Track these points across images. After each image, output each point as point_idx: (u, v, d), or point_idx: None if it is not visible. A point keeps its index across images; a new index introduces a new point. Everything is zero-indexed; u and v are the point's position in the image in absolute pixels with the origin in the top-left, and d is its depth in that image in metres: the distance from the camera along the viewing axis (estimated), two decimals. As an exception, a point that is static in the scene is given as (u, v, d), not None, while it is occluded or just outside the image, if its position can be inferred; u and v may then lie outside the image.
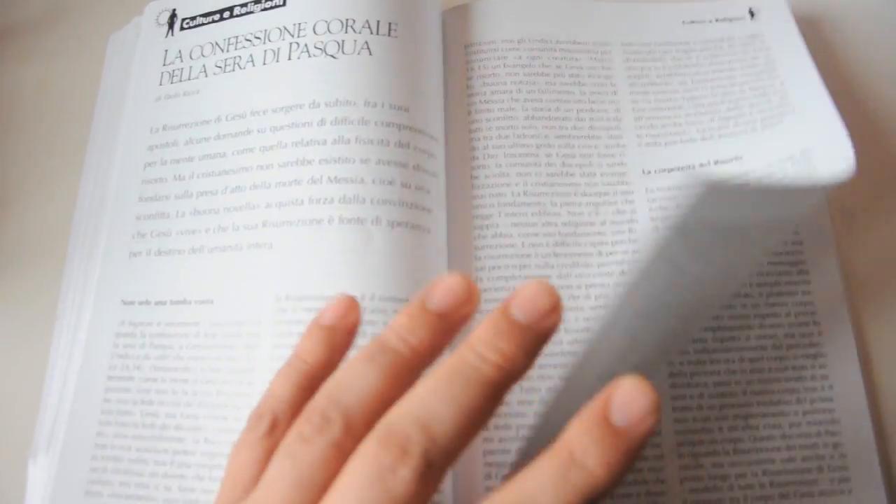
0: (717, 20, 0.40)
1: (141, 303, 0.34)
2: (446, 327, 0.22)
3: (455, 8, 0.40)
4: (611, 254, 0.35)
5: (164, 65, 0.39)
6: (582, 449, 0.18)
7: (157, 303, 0.34)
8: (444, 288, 0.22)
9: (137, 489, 0.31)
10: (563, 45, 0.39)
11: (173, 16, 0.40)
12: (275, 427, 0.22)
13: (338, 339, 0.24)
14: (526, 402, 0.32)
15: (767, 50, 0.39)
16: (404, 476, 0.18)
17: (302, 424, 0.21)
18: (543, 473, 0.18)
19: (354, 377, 0.21)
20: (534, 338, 0.21)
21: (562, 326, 0.21)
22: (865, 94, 0.40)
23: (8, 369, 0.35)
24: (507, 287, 0.34)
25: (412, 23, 0.37)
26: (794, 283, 0.35)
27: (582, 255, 0.34)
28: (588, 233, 0.35)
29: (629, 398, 0.18)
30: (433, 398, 0.20)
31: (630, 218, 0.35)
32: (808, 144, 0.34)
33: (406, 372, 0.21)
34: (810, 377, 0.33)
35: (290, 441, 0.21)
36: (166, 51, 0.39)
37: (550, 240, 0.34)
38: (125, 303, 0.34)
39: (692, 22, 0.40)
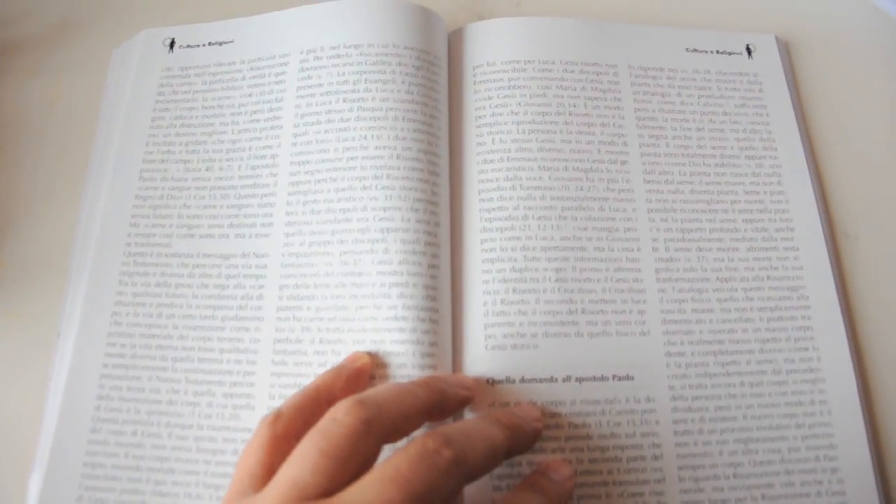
0: (717, 52, 0.41)
1: (132, 325, 0.34)
2: (445, 397, 0.29)
3: (462, 28, 0.41)
4: (619, 290, 0.35)
5: (161, 87, 0.40)
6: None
7: (147, 325, 0.34)
8: (454, 376, 0.32)
9: None
10: (571, 67, 0.39)
11: (172, 43, 0.41)
12: (278, 418, 0.26)
13: (347, 374, 0.30)
14: (535, 462, 0.32)
15: (761, 94, 0.40)
16: (447, 456, 0.24)
17: (334, 410, 0.25)
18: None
19: (379, 388, 0.27)
20: (528, 426, 0.30)
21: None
22: (863, 117, 0.41)
23: (12, 387, 0.34)
24: (512, 312, 0.34)
25: (410, 51, 0.38)
26: (794, 308, 0.35)
27: (587, 281, 0.35)
28: (597, 257, 0.35)
29: (560, 467, 0.31)
30: (470, 426, 0.27)
31: (635, 257, 0.36)
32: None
33: (415, 399, 0.27)
34: (809, 402, 0.34)
35: (322, 422, 0.25)
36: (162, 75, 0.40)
37: (553, 265, 0.35)
38: (116, 324, 0.34)
39: (695, 50, 0.41)
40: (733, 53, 0.41)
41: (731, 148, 0.39)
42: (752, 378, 0.34)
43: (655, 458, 0.32)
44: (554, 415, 0.32)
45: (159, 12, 0.44)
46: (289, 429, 0.26)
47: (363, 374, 0.31)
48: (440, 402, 0.29)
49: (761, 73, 0.41)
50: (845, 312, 0.36)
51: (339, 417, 0.25)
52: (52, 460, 0.32)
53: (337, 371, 0.30)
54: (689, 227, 0.37)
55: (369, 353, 0.32)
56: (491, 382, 0.33)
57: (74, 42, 0.44)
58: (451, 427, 0.26)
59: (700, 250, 0.36)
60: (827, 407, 0.34)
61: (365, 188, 0.34)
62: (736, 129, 0.39)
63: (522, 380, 0.33)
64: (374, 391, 0.27)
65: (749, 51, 0.41)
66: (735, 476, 0.32)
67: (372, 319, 0.32)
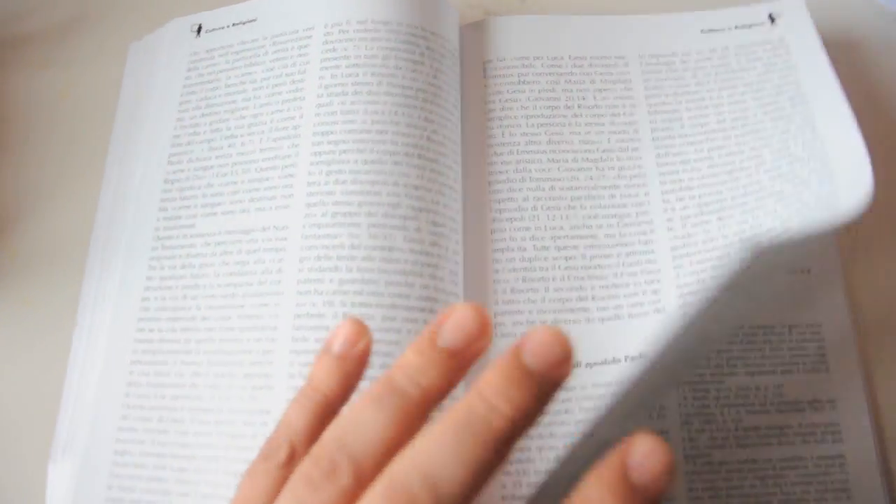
0: (736, 27, 0.40)
1: (159, 309, 0.34)
2: (458, 365, 0.21)
3: (473, 24, 0.41)
4: (631, 274, 0.34)
5: (188, 71, 0.41)
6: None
7: (173, 308, 0.34)
8: (454, 322, 0.21)
9: (157, 496, 0.31)
10: (580, 61, 0.39)
11: (199, 29, 0.42)
12: (292, 458, 0.22)
13: (349, 367, 0.24)
14: (546, 447, 0.31)
15: (788, 55, 0.38)
16: None
17: (310, 467, 0.20)
18: None
19: (363, 421, 0.20)
20: (546, 386, 0.19)
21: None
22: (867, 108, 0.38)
23: (29, 372, 0.35)
24: (521, 300, 0.34)
25: (435, 37, 0.38)
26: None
27: (597, 268, 0.34)
28: (608, 244, 0.35)
29: (647, 457, 0.18)
30: (440, 452, 0.19)
31: (648, 239, 0.35)
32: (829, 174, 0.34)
33: (416, 415, 0.21)
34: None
35: (297, 485, 0.20)
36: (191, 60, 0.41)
37: (563, 253, 0.35)
38: (144, 309, 0.34)
39: (710, 31, 0.40)
40: (754, 25, 0.40)
41: (755, 115, 0.37)
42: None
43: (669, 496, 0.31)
44: (564, 401, 0.32)
45: (169, 6, 0.44)
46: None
47: (365, 360, 0.24)
48: (441, 392, 0.22)
49: (787, 36, 0.39)
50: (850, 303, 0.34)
51: (317, 480, 0.20)
52: (88, 449, 0.32)
53: (340, 368, 0.24)
54: (708, 201, 0.35)
55: (361, 322, 0.24)
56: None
57: (85, 36, 0.44)
58: (415, 465, 0.19)
59: (721, 219, 0.35)
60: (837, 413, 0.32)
61: (396, 163, 0.34)
62: (759, 97, 0.37)
63: (531, 366, 0.33)
64: (355, 428, 0.21)
65: (772, 19, 0.40)
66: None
67: (404, 297, 0.32)
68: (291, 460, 0.22)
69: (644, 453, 0.18)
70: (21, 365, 0.35)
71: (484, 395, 0.19)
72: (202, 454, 0.31)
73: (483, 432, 0.19)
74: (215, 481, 0.30)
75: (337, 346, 0.24)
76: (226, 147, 0.37)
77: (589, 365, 0.33)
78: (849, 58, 0.41)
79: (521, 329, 0.33)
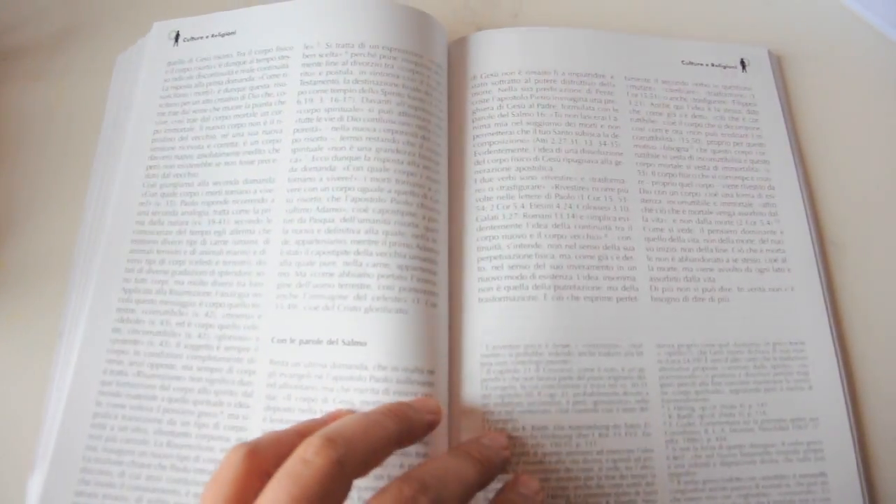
0: (712, 65, 0.41)
1: (134, 321, 0.34)
2: (412, 425, 0.29)
3: (460, 39, 0.41)
4: (613, 278, 0.35)
5: (166, 80, 0.39)
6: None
7: (151, 322, 0.34)
8: (420, 402, 0.31)
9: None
10: (568, 78, 0.40)
11: (177, 36, 0.41)
12: (254, 452, 0.25)
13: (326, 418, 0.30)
14: None
15: (755, 107, 0.41)
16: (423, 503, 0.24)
17: (303, 449, 0.24)
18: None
19: (347, 421, 0.26)
20: (497, 458, 0.30)
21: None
22: (852, 128, 0.42)
23: (12, 387, 0.34)
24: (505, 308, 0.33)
25: (421, 57, 0.38)
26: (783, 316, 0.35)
27: (580, 289, 0.34)
28: (590, 255, 0.35)
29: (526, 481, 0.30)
30: (443, 467, 0.26)
31: (628, 245, 0.36)
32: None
33: (384, 432, 0.27)
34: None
35: (290, 463, 0.23)
36: (168, 66, 0.40)
37: (549, 262, 0.35)
38: (120, 321, 0.34)
39: (690, 63, 0.41)
40: (728, 67, 0.42)
41: (725, 159, 0.39)
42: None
43: (643, 409, 0.32)
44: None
45: (158, 17, 0.43)
46: (264, 464, 0.25)
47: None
48: (408, 432, 0.28)
49: (755, 87, 0.41)
50: (833, 322, 0.36)
51: (309, 458, 0.23)
52: (56, 457, 0.31)
53: (318, 422, 0.29)
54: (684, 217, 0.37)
55: (350, 411, 0.31)
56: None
57: (76, 48, 0.44)
58: (424, 471, 0.26)
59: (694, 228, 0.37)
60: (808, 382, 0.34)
61: (369, 189, 0.34)
62: (729, 141, 0.39)
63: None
64: (342, 425, 0.26)
65: (743, 64, 0.42)
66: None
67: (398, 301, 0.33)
68: (254, 454, 0.25)
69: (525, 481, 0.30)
70: (6, 378, 0.35)
71: (462, 447, 0.29)
72: (169, 465, 0.31)
73: (468, 459, 0.28)
74: (188, 491, 0.31)
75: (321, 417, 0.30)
76: (200, 165, 0.37)
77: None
78: (836, 73, 0.44)
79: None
